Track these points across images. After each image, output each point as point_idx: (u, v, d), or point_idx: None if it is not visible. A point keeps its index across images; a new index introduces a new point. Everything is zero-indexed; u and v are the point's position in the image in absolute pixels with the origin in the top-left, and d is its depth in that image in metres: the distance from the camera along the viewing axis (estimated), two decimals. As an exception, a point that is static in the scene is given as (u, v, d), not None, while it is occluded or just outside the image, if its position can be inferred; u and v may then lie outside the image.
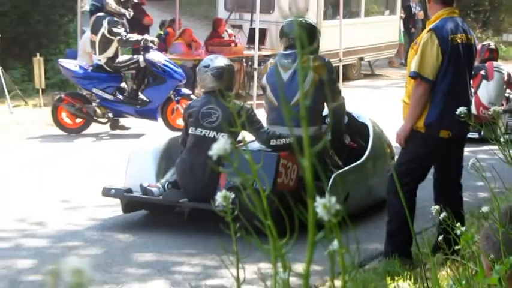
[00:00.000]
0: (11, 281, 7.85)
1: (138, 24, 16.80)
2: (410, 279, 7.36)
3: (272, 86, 9.77)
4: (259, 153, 9.10)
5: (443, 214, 4.18)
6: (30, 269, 8.26)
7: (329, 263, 1.75)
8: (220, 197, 2.03)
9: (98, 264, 8.39)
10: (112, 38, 15.42)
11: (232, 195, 2.02)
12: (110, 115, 15.77)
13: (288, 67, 9.72)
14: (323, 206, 1.55)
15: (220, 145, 1.86)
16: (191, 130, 9.59)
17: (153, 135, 11.49)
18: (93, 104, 15.66)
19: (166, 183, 9.57)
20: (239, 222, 2.03)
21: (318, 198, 1.53)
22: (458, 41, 7.98)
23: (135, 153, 10.20)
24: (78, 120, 15.73)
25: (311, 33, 9.85)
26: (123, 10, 15.83)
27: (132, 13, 16.16)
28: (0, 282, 7.91)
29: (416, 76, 7.92)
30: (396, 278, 7.45)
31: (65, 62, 16.02)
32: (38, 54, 17.30)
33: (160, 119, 15.48)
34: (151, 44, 15.99)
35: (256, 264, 7.40)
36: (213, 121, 9.45)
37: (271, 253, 1.73)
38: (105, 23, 15.52)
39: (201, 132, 9.48)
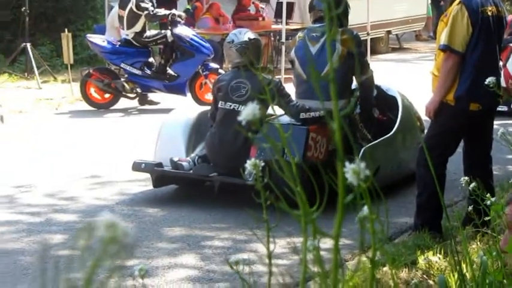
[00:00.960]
0: (43, 255, 7.86)
1: (166, -1, 16.83)
2: (440, 253, 7.37)
3: (301, 60, 9.81)
4: (289, 127, 9.16)
5: (473, 185, 4.21)
6: (61, 244, 8.30)
7: (358, 237, 1.80)
8: (250, 165, 2.07)
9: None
10: (140, 13, 15.46)
11: (262, 163, 2.06)
12: (139, 90, 15.83)
13: (317, 40, 9.71)
14: (353, 171, 1.59)
15: (249, 110, 1.90)
16: (220, 104, 9.63)
17: (183, 109, 11.49)
18: (122, 79, 15.75)
19: (196, 157, 9.63)
20: (269, 192, 2.07)
21: (347, 164, 1.57)
22: (489, 13, 7.95)
23: (165, 128, 10.25)
24: (107, 95, 15.82)
25: (340, 6, 9.92)
26: None
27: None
28: (31, 257, 7.93)
29: (446, 49, 7.91)
30: (426, 252, 7.46)
31: (93, 37, 16.09)
32: (66, 29, 17.32)
33: (188, 94, 15.48)
34: (178, 19, 16.02)
35: (286, 239, 7.42)
36: (242, 95, 9.48)
37: (302, 218, 1.78)
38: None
39: (230, 106, 9.51)
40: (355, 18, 10.42)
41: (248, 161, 2.12)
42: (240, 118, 1.94)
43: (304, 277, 2.09)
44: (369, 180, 1.59)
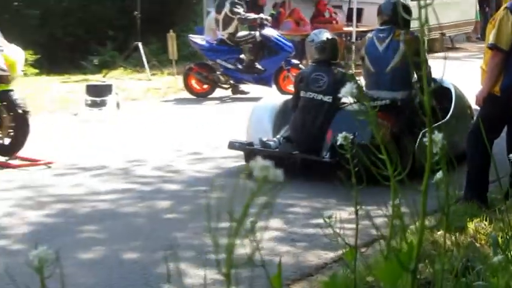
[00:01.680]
0: (153, 218, 8.08)
1: (255, 5, 16.91)
2: (486, 220, 7.40)
3: (369, 56, 9.86)
4: (362, 113, 9.28)
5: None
6: (167, 209, 8.52)
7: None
8: (341, 138, 2.19)
9: (219, 205, 8.57)
10: (233, 16, 15.66)
11: (351, 136, 2.18)
12: (232, 82, 16.03)
13: (383, 40, 9.76)
14: (433, 140, 1.69)
15: (348, 88, 2.02)
16: (302, 93, 9.75)
17: (270, 98, 11.63)
18: (218, 72, 15.94)
19: (281, 137, 9.71)
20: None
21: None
22: None
23: (255, 113, 10.37)
24: (205, 86, 16.01)
25: (404, 10, 10.04)
26: None
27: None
28: (143, 218, 8.15)
29: (493, 47, 7.94)
30: (474, 219, 7.49)
31: (194, 37, 16.32)
32: (171, 31, 17.52)
33: (273, 85, 15.58)
34: (265, 22, 16.22)
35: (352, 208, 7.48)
36: (320, 86, 9.59)
37: (391, 177, 1.88)
38: (227, 4, 15.76)
39: (310, 95, 9.62)
40: (415, 22, 10.45)
41: (339, 134, 2.25)
42: (340, 94, 2.06)
43: (392, 231, 2.20)
44: (444, 148, 1.68)
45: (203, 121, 13.54)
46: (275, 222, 7.85)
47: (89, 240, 7.41)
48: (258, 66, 15.76)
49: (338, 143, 2.48)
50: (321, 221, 8.07)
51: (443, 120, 9.79)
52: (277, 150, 9.67)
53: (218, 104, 15.54)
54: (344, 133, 2.27)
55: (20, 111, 10.32)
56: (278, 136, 9.81)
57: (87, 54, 19.40)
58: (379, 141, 2.17)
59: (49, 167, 10.14)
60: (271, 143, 9.70)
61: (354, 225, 7.38)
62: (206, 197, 8.86)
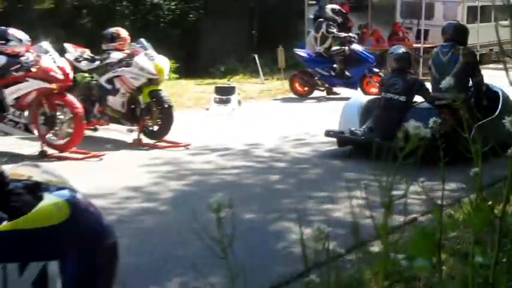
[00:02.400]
0: (266, 188, 8.13)
1: (345, 26, 16.85)
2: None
3: (435, 66, 9.82)
4: (429, 109, 9.25)
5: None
6: (277, 181, 8.55)
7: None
8: (432, 122, 2.14)
9: (317, 179, 8.69)
10: (328, 35, 15.71)
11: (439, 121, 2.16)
12: (326, 85, 16.02)
13: (446, 53, 9.70)
14: (510, 122, 1.67)
15: (447, 81, 2.02)
16: (382, 94, 9.78)
17: (356, 97, 11.60)
18: (315, 78, 15.93)
19: (366, 128, 9.67)
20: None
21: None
22: None
23: (345, 109, 10.34)
24: (306, 88, 16.00)
25: (463, 31, 10.02)
26: (335, 17, 16.03)
27: (340, 19, 16.33)
28: (259, 188, 8.20)
29: None
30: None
31: (298, 51, 16.33)
32: (280, 46, 17.57)
33: (358, 88, 15.52)
34: (353, 39, 16.23)
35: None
36: (396, 88, 9.57)
37: (474, 155, 1.87)
38: (324, 25, 15.79)
39: (389, 95, 9.62)
40: (469, 40, 10.46)
41: (431, 119, 2.24)
42: (442, 85, 2.05)
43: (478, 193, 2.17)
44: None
45: (304, 115, 13.53)
46: (362, 193, 7.83)
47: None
48: (347, 73, 15.73)
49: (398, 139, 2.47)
50: (397, 191, 8.03)
51: (493, 116, 9.63)
52: (362, 137, 9.62)
53: (316, 102, 15.50)
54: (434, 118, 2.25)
55: (166, 105, 10.50)
56: (363, 127, 9.76)
57: (215, 64, 19.59)
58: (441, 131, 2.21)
59: (187, 148, 10.29)
60: (358, 132, 9.69)
61: (419, 197, 7.28)
62: (307, 173, 8.97)
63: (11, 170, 5.17)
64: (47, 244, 4.36)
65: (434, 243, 1.96)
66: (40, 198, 4.58)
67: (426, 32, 20.54)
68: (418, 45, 19.52)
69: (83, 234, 4.69)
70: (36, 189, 4.69)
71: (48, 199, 4.59)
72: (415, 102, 9.68)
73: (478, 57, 17.77)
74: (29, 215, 4.39)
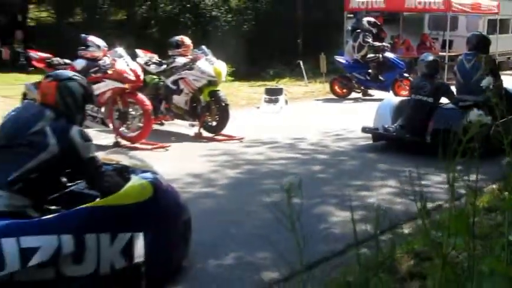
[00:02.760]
0: (309, 176, 8.00)
1: (379, 37, 16.75)
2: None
3: (459, 71, 9.77)
4: (453, 110, 9.25)
5: None
6: (319, 171, 8.55)
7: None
8: (475, 116, 2.19)
9: (354, 170, 8.67)
10: (364, 44, 15.68)
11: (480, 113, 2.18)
12: (362, 88, 16.00)
13: (469, 61, 9.66)
14: None
15: (486, 81, 2.10)
16: (412, 96, 9.72)
17: (389, 99, 11.56)
18: (353, 81, 15.92)
19: (397, 125, 9.64)
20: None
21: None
22: None
23: (380, 108, 10.32)
24: (344, 90, 15.99)
25: (485, 40, 9.94)
26: (371, 28, 16.00)
27: (375, 30, 16.28)
28: (303, 176, 7.91)
29: None
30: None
31: (338, 58, 16.32)
32: (322, 53, 17.60)
33: (390, 91, 15.44)
34: (386, 48, 16.13)
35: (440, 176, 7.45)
36: (425, 91, 9.54)
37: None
38: (361, 36, 15.76)
39: (418, 97, 9.56)
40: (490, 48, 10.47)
41: (473, 115, 2.28)
42: (482, 84, 2.13)
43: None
44: None
45: (343, 113, 13.52)
46: (393, 182, 7.84)
47: (267, 190, 7.58)
48: (381, 77, 15.67)
49: (426, 135, 2.54)
50: (424, 181, 7.95)
51: (510, 116, 9.59)
52: (394, 134, 9.62)
53: (353, 102, 15.47)
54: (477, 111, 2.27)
55: (223, 104, 10.60)
56: (395, 124, 9.72)
57: (266, 68, 19.66)
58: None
59: (241, 141, 10.36)
60: (391, 128, 9.67)
61: (445, 185, 7.21)
62: (345, 164, 8.99)
63: (103, 155, 5.37)
64: (133, 218, 4.54)
65: (468, 223, 2.04)
66: (128, 180, 4.76)
67: (450, 42, 20.50)
68: (444, 53, 19.34)
69: (164, 211, 4.86)
70: (124, 172, 4.88)
71: (135, 180, 4.77)
72: (441, 103, 9.65)
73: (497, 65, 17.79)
74: (119, 193, 4.57)
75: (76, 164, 4.43)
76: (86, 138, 4.43)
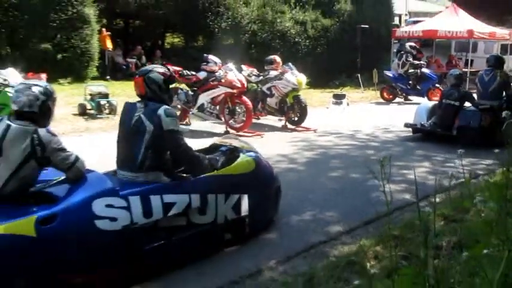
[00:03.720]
0: (365, 158, 7.74)
1: (417, 57, 16.20)
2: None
3: (480, 83, 9.38)
4: (474, 111, 8.91)
5: None
6: (372, 154, 8.21)
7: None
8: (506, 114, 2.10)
9: (398, 154, 8.32)
10: (406, 62, 15.15)
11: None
12: (404, 94, 15.46)
13: (488, 75, 9.26)
14: None
15: (505, 113, 1.98)
16: (443, 101, 9.34)
17: (425, 102, 11.25)
18: (397, 89, 15.46)
19: (431, 122, 9.34)
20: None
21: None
22: None
23: (418, 109, 9.98)
24: (391, 96, 15.52)
25: (501, 60, 9.48)
26: (412, 50, 15.49)
27: (415, 52, 15.74)
28: (360, 158, 7.90)
29: None
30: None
31: (386, 72, 15.84)
32: (375, 69, 17.23)
33: (425, 97, 14.93)
34: (422, 65, 15.58)
35: (466, 159, 7.18)
36: (453, 97, 9.19)
37: None
38: (404, 56, 15.25)
39: (448, 102, 9.21)
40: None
41: (506, 114, 2.20)
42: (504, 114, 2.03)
43: None
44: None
45: (389, 112, 13.20)
46: (427, 164, 7.65)
47: (334, 168, 7.56)
48: (418, 87, 15.12)
49: (452, 129, 2.44)
50: (450, 164, 7.71)
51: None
52: (429, 128, 9.34)
53: (397, 105, 14.98)
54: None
55: (302, 104, 10.57)
56: (429, 121, 9.41)
57: (333, 79, 19.46)
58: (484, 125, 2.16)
59: (315, 132, 10.30)
60: (426, 124, 9.38)
61: (469, 168, 6.89)
62: (391, 149, 8.79)
63: (220, 139, 5.45)
64: (241, 184, 4.60)
65: (502, 192, 1.98)
66: (237, 157, 4.83)
67: (472, 61, 19.87)
68: (466, 69, 18.62)
69: (262, 180, 4.91)
70: (235, 151, 4.94)
71: (242, 157, 4.83)
72: (465, 106, 9.29)
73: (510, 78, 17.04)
74: (231, 166, 4.64)
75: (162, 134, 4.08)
76: (169, 114, 4.06)
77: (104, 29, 16.75)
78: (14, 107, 3.61)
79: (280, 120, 10.88)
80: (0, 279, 3.27)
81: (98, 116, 10.88)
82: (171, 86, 4.37)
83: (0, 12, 14.21)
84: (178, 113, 10.27)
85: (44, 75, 14.03)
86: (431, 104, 10.29)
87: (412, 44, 16.22)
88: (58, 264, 3.41)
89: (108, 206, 3.67)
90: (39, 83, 3.80)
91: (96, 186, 3.74)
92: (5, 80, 7.18)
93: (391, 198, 5.62)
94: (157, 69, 4.27)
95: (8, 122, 3.57)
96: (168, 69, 4.52)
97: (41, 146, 3.54)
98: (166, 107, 4.10)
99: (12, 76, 7.32)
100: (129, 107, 4.22)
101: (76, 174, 3.74)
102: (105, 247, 3.64)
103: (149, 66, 4.37)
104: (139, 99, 4.24)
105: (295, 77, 10.55)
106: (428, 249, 1.46)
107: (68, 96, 12.60)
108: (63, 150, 3.67)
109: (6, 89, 7.00)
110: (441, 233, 4.13)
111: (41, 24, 14.90)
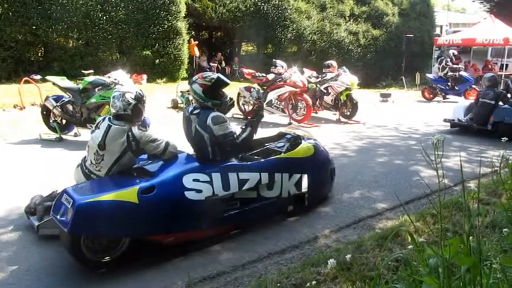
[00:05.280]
0: (408, 148, 7.44)
1: (455, 61, 15.39)
2: None
3: None
4: (507, 109, 8.34)
5: None
6: (413, 144, 7.92)
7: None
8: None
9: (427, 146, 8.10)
10: (446, 66, 14.36)
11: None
12: (443, 94, 14.65)
13: None
14: None
15: None
16: (480, 99, 8.79)
17: (462, 101, 10.59)
18: (437, 90, 14.70)
19: (468, 118, 8.82)
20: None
21: None
22: None
23: (456, 106, 9.44)
24: (431, 95, 14.72)
25: None
26: (452, 56, 14.73)
27: (453, 57, 14.88)
28: (402, 147, 7.62)
29: None
30: None
31: (428, 74, 15.10)
32: (417, 72, 16.54)
33: (463, 96, 14.13)
34: (461, 69, 14.65)
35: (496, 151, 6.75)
36: (489, 96, 8.63)
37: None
38: (444, 61, 14.50)
39: (484, 100, 8.63)
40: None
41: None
42: None
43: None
44: None
45: (429, 109, 12.58)
46: (463, 154, 7.29)
47: (380, 154, 7.32)
48: (456, 88, 14.36)
49: (487, 125, 2.25)
50: (485, 154, 7.29)
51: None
52: (465, 123, 8.83)
53: (437, 103, 14.22)
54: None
55: (354, 101, 10.31)
56: (466, 117, 8.90)
57: (380, 81, 18.91)
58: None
59: (364, 124, 10.02)
60: (463, 120, 8.88)
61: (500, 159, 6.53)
62: (431, 141, 8.39)
63: (285, 129, 5.43)
64: (302, 165, 4.56)
65: None
66: (300, 143, 4.79)
67: (506, 65, 18.66)
68: (501, 73, 17.46)
69: (320, 162, 4.85)
70: (298, 139, 4.91)
71: (304, 144, 4.79)
72: (499, 104, 8.72)
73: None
74: (294, 151, 4.61)
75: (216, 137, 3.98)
76: (215, 122, 3.89)
77: (192, 39, 17.06)
78: (113, 110, 3.85)
79: (335, 114, 10.67)
80: (110, 237, 3.43)
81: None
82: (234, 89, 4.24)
83: (112, 25, 14.77)
84: (250, 107, 10.35)
85: (144, 76, 14.63)
86: (468, 102, 9.74)
87: (455, 52, 15.37)
88: (154, 226, 3.53)
89: (195, 180, 3.75)
90: (131, 90, 3.98)
91: (186, 164, 3.85)
92: (115, 79, 7.47)
93: (430, 182, 5.48)
94: (199, 81, 3.97)
95: (109, 123, 3.78)
96: (214, 78, 4.04)
97: (135, 141, 3.74)
98: (213, 115, 3.88)
99: (121, 76, 7.61)
100: (186, 119, 4.10)
101: (170, 156, 3.88)
102: (192, 213, 3.72)
103: (196, 76, 4.12)
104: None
105: (348, 78, 10.29)
106: (471, 222, 1.38)
107: (164, 93, 12.96)
108: (154, 140, 3.83)
109: (116, 87, 7.29)
110: (475, 213, 3.91)
111: (143, 35, 15.40)
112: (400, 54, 17.89)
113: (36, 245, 3.87)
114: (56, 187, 4.37)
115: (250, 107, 10.38)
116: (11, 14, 13.21)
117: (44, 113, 7.84)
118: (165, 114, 10.65)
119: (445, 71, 14.53)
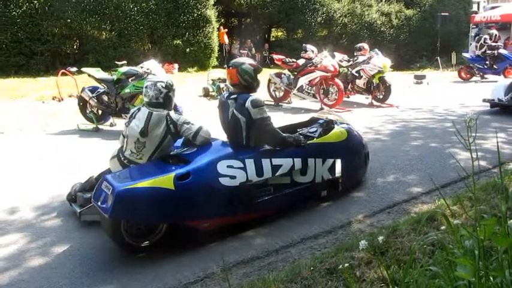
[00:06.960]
0: (443, 130, 7.23)
1: (494, 39, 14.74)
2: None
3: None
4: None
5: None
6: (450, 126, 7.64)
7: None
8: None
9: (474, 126, 7.81)
10: (484, 44, 13.94)
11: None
12: (481, 74, 14.21)
13: None
14: None
15: None
16: None
17: (502, 80, 10.12)
18: (474, 69, 14.26)
19: (508, 97, 8.49)
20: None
21: None
22: None
23: (495, 86, 9.05)
24: (468, 75, 14.31)
25: None
26: (490, 34, 14.20)
27: (493, 35, 14.36)
28: (438, 130, 7.43)
29: None
30: None
31: (464, 54, 14.67)
32: (454, 52, 16.01)
33: (502, 75, 13.63)
34: (499, 46, 14.16)
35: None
36: None
37: None
38: (482, 39, 14.07)
39: None
40: None
41: None
42: None
43: None
44: None
45: (466, 90, 12.20)
46: (503, 135, 7.02)
47: (414, 138, 7.16)
48: (495, 66, 13.89)
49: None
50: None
51: None
52: (506, 103, 8.53)
53: (474, 83, 13.78)
54: None
55: (387, 84, 10.15)
56: (506, 96, 8.57)
57: (414, 62, 18.46)
58: None
59: (397, 107, 9.84)
60: (503, 99, 8.57)
61: None
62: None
63: (318, 114, 5.41)
64: (335, 150, 4.55)
65: None
66: (332, 128, 4.77)
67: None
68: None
69: (353, 147, 4.82)
70: (331, 123, 4.88)
71: (337, 128, 4.77)
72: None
73: None
74: (328, 136, 4.59)
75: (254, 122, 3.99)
76: (255, 105, 3.89)
77: (221, 27, 17.10)
78: (146, 99, 3.93)
79: (367, 98, 10.52)
80: (148, 222, 3.54)
81: (218, 96, 11.19)
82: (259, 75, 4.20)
83: (142, 16, 14.97)
84: (281, 93, 10.35)
85: (176, 65, 14.80)
86: (508, 81, 9.36)
87: (496, 32, 14.78)
88: (189, 212, 3.61)
89: (229, 166, 3.81)
90: (162, 79, 4.02)
91: (220, 151, 3.90)
92: (148, 69, 7.59)
93: (466, 164, 5.34)
94: (249, 61, 4.11)
95: (149, 110, 3.90)
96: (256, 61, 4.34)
97: (173, 124, 3.90)
98: (252, 98, 3.90)
99: (153, 66, 7.73)
100: (222, 104, 4.14)
101: (202, 141, 3.95)
102: (227, 199, 3.79)
103: (240, 59, 4.23)
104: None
105: (380, 61, 10.12)
106: (508, 203, 1.36)
107: (195, 82, 13.07)
108: (188, 123, 3.95)
109: (149, 76, 7.41)
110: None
111: (173, 25, 15.54)
112: (434, 34, 17.38)
113: (78, 230, 4.00)
114: (93, 174, 4.51)
115: (281, 93, 10.37)
116: (47, 8, 13.59)
117: (81, 104, 8.09)
118: (196, 103, 10.76)
119: (483, 50, 14.04)
